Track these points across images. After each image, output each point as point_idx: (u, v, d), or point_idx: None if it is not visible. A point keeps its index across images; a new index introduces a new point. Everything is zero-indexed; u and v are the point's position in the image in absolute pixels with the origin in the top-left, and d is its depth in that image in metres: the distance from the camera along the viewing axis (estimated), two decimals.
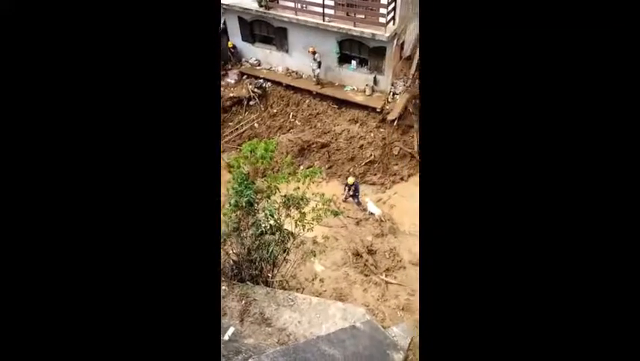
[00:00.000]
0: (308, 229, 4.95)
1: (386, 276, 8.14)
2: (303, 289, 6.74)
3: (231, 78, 11.47)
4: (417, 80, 10.63)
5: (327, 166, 10.12)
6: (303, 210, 4.89)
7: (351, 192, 9.23)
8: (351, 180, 9.14)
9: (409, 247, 8.70)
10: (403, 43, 10.32)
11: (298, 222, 4.86)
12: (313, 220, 4.92)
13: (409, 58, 10.73)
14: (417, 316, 7.17)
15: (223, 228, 4.59)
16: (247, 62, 11.82)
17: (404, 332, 4.27)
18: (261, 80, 11.36)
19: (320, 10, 9.81)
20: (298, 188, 4.82)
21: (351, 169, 9.90)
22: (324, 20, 9.91)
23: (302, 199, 4.84)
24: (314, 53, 10.23)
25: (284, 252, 4.90)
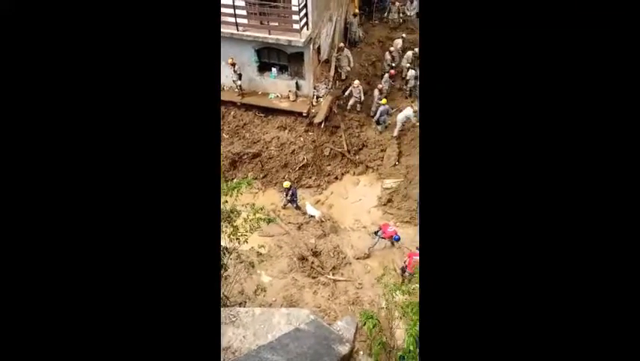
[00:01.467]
0: (243, 242, 4.87)
1: (333, 274, 8.29)
2: (246, 302, 6.60)
3: None
4: (337, 82, 11.02)
5: (261, 176, 10.05)
6: (234, 223, 4.81)
7: (289, 198, 9.27)
8: (286, 184, 9.18)
9: (352, 242, 8.96)
10: (319, 48, 10.64)
11: (231, 236, 4.77)
12: (247, 232, 4.86)
13: (327, 61, 11.08)
14: (366, 306, 7.40)
15: None
16: None
17: (348, 324, 4.38)
18: None
19: (232, 20, 9.74)
20: (226, 202, 4.73)
21: (286, 175, 9.94)
22: (237, 30, 9.86)
23: (232, 212, 4.75)
24: (233, 65, 10.13)
25: (221, 268, 4.76)
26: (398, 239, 8.30)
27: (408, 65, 10.99)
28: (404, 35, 11.84)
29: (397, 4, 12.40)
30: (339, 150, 10.40)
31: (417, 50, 11.18)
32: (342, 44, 10.97)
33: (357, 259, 8.59)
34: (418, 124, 10.19)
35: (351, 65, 10.99)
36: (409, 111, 10.04)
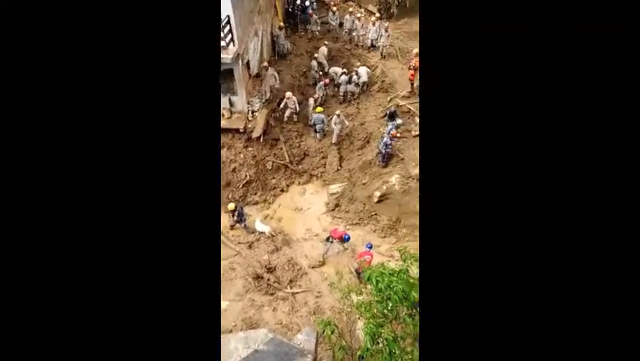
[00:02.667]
0: None
1: (291, 288, 8.17)
2: None
3: None
4: (271, 95, 11.02)
5: None
6: None
7: (236, 218, 9.00)
8: (231, 206, 8.91)
9: (305, 252, 8.92)
10: (248, 63, 10.58)
11: None
12: None
13: (258, 75, 11.05)
14: (327, 314, 7.37)
15: None
16: None
17: (309, 335, 4.33)
18: None
19: None
20: None
21: (230, 195, 9.66)
22: None
23: None
24: None
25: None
26: (348, 238, 8.46)
27: (341, 70, 11.35)
28: (326, 43, 12.28)
29: (314, 16, 12.86)
30: (282, 162, 10.37)
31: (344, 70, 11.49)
32: (266, 64, 10.91)
33: (313, 267, 8.56)
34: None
35: (278, 82, 11.00)
36: (334, 117, 10.36)
